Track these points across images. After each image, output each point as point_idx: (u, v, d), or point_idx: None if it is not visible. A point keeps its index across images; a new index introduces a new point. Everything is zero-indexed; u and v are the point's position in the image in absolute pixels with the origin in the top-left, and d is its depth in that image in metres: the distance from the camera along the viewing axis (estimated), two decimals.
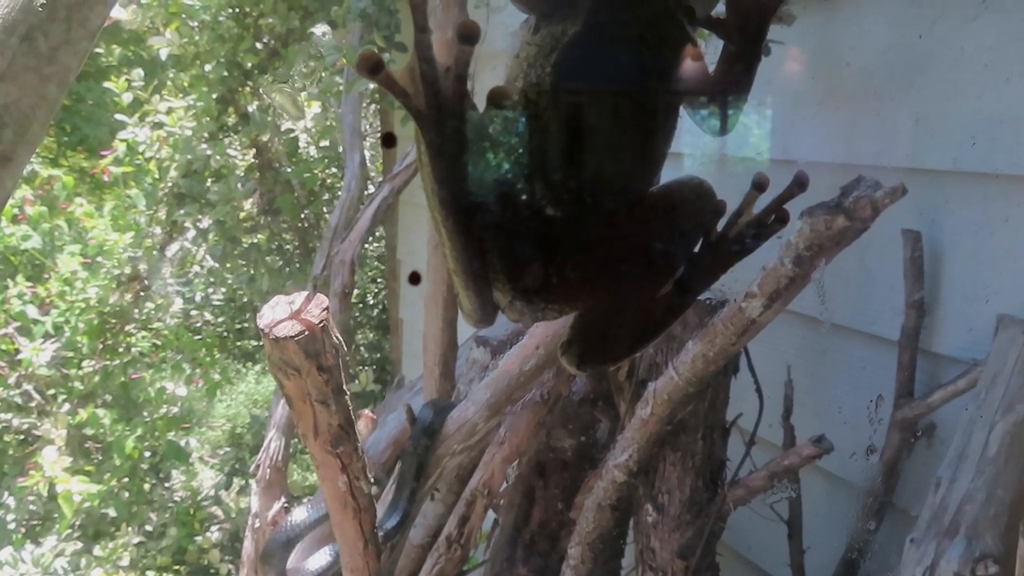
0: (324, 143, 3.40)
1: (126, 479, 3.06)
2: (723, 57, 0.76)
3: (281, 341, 0.94)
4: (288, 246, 3.52)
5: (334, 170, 3.48)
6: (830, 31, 1.36)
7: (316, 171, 3.40)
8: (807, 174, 0.74)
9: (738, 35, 0.75)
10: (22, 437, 3.06)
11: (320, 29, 2.90)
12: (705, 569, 1.27)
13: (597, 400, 1.43)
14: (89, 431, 3.02)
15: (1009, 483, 0.94)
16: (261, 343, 1.00)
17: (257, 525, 2.46)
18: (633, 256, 0.74)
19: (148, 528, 3.13)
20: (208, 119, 3.06)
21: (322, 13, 2.87)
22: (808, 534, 1.35)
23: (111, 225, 3.21)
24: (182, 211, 3.09)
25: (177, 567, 3.16)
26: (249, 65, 3.04)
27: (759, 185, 0.74)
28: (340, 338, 1.00)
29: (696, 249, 0.76)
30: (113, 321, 3.13)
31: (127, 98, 3.08)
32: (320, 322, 0.96)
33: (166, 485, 3.29)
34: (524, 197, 0.70)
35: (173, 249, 3.23)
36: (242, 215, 3.25)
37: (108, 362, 3.13)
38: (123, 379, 3.15)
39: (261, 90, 3.08)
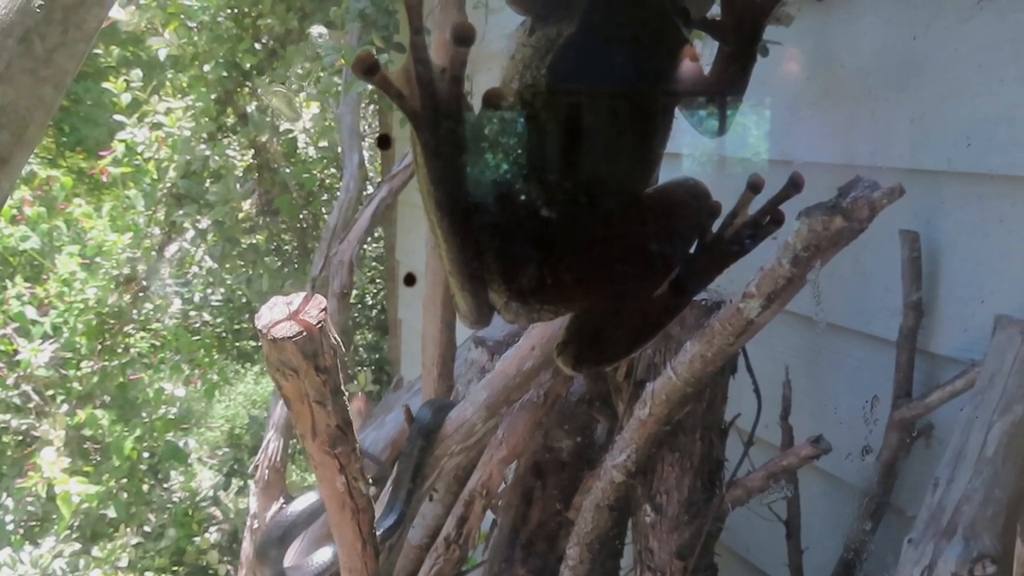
0: (323, 144, 3.40)
1: (124, 480, 3.05)
2: (718, 58, 0.76)
3: (279, 342, 0.94)
4: (287, 247, 3.52)
5: (333, 171, 3.49)
6: (825, 32, 1.36)
7: (315, 172, 3.40)
8: (802, 175, 0.75)
9: (733, 36, 0.75)
10: (20, 438, 3.06)
11: (318, 30, 2.90)
12: (703, 569, 1.27)
13: (595, 401, 1.43)
14: (88, 432, 3.02)
15: (1007, 483, 0.94)
16: (259, 344, 1.00)
17: (256, 526, 2.46)
18: (629, 257, 0.74)
19: (147, 529, 3.13)
20: (207, 120, 3.06)
21: (320, 14, 2.88)
22: (806, 534, 1.35)
23: (110, 226, 3.21)
24: (181, 212, 3.10)
25: (176, 568, 3.16)
26: (248, 66, 3.04)
27: (754, 186, 0.74)
28: (338, 339, 1.00)
29: (692, 250, 0.77)
30: (112, 322, 3.13)
31: (126, 99, 3.08)
32: (318, 323, 0.96)
33: (165, 486, 3.29)
34: (520, 198, 0.70)
35: (172, 250, 3.23)
36: (241, 216, 3.25)
37: (107, 363, 3.13)
38: (122, 380, 3.15)
39: (259, 91, 3.08)
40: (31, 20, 0.99)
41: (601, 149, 0.72)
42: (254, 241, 3.35)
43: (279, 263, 3.40)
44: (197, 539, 3.16)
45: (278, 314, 0.96)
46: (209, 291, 3.51)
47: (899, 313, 1.23)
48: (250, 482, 2.64)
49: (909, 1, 1.22)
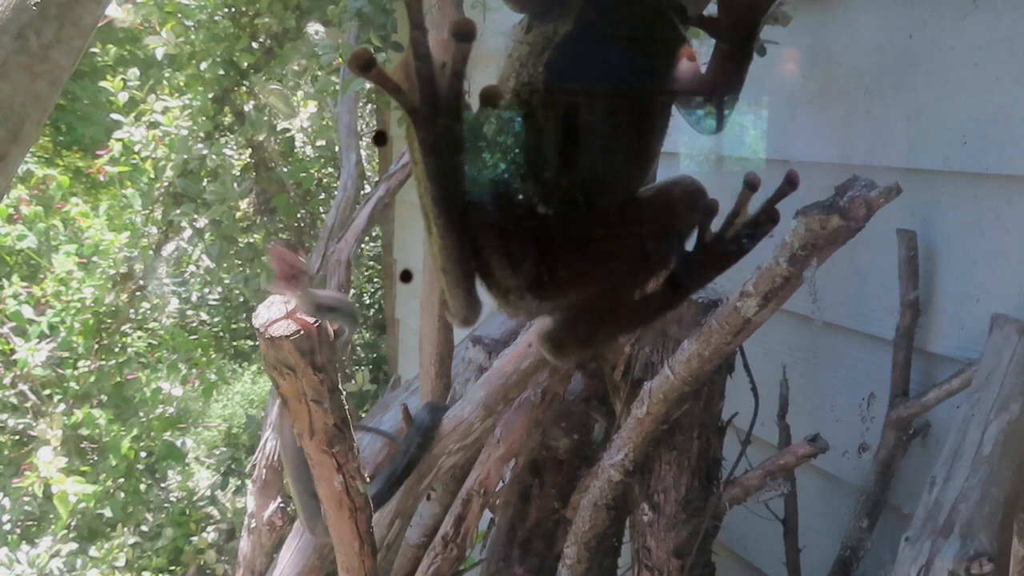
0: (320, 142, 3.40)
1: (122, 479, 3.05)
2: (715, 56, 0.76)
3: (276, 340, 0.94)
4: None
5: (330, 169, 3.48)
6: (822, 31, 1.36)
7: (312, 170, 3.40)
8: (798, 173, 0.75)
9: (729, 34, 0.75)
10: (17, 437, 3.06)
11: (315, 28, 2.90)
12: (701, 568, 1.27)
13: (592, 399, 1.44)
14: (85, 431, 3.01)
15: (1003, 481, 0.94)
16: (257, 343, 1.00)
17: (253, 525, 2.46)
18: (625, 254, 0.74)
19: (144, 528, 3.12)
20: (204, 118, 3.05)
21: (317, 12, 2.87)
22: (804, 533, 1.35)
23: (107, 225, 3.20)
24: (178, 211, 3.09)
25: (173, 567, 3.16)
26: (245, 64, 3.04)
27: (751, 184, 0.74)
28: (333, 332, 1.00)
29: (688, 247, 0.77)
30: (109, 321, 3.12)
31: (123, 97, 3.07)
32: (315, 322, 0.96)
33: (162, 485, 3.28)
34: (516, 195, 0.70)
35: (169, 249, 3.22)
36: (238, 215, 3.25)
37: (104, 362, 3.12)
38: (119, 379, 3.15)
39: (256, 89, 3.08)
40: (27, 16, 0.99)
41: (598, 146, 0.72)
42: (252, 240, 3.34)
43: None
44: (194, 539, 3.16)
45: (275, 313, 0.96)
46: (206, 290, 3.51)
47: (896, 312, 1.23)
48: (247, 481, 2.64)
49: (905, 0, 1.22)
